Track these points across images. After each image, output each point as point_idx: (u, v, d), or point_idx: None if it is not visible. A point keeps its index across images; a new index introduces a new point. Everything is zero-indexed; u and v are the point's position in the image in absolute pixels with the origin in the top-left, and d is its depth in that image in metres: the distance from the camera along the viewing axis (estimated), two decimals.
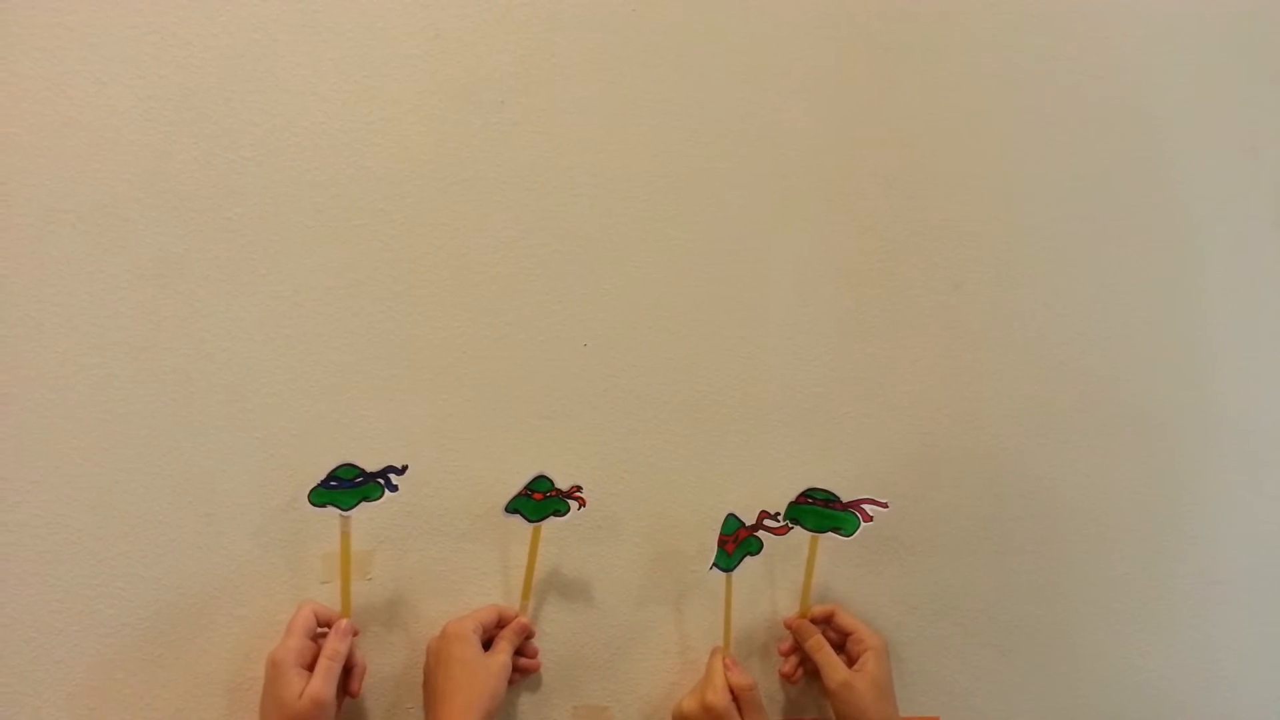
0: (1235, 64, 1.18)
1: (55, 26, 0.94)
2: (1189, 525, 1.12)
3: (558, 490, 0.95)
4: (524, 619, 0.95)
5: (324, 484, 0.90)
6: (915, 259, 1.10)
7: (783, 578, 1.02)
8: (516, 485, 0.94)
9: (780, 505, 0.96)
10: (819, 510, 0.96)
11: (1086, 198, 1.14)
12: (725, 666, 0.94)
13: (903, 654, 1.03)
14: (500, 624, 0.94)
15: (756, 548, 0.95)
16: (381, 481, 0.92)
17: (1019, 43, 1.14)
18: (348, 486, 0.91)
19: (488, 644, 0.92)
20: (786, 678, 0.99)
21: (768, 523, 0.95)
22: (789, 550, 0.99)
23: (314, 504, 0.90)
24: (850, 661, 0.95)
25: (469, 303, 1.00)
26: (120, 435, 0.92)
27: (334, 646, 0.88)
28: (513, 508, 0.94)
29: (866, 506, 0.95)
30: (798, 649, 0.98)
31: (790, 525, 0.96)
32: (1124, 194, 1.15)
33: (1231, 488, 1.13)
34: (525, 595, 0.96)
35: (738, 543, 0.95)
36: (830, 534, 0.96)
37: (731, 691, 0.92)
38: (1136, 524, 1.10)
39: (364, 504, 0.91)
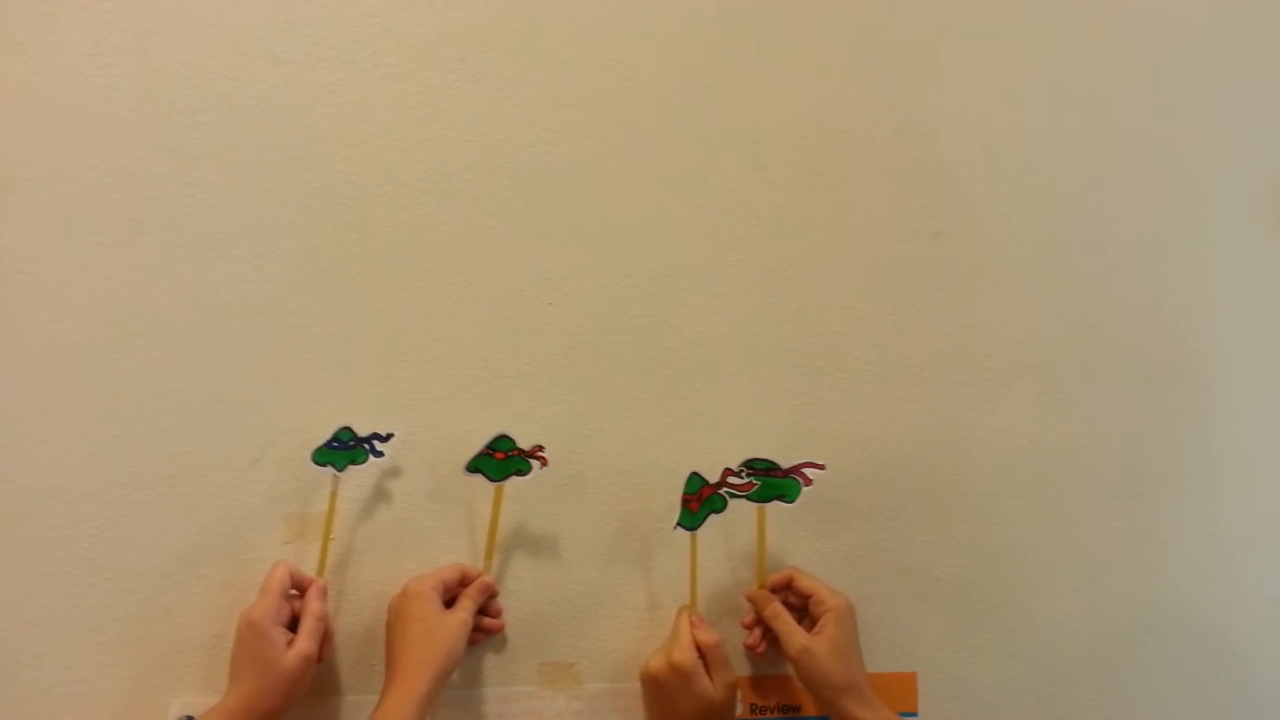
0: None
1: None
2: (1184, 478, 1.08)
3: (519, 450, 0.94)
4: (488, 578, 0.95)
5: (327, 444, 0.93)
6: (892, 207, 1.07)
7: (749, 542, 1.00)
8: (481, 445, 0.94)
9: None
10: (760, 480, 0.94)
11: (1073, 141, 1.10)
12: (691, 625, 0.93)
13: (871, 614, 1.01)
14: (463, 583, 0.94)
15: (721, 505, 0.94)
16: (367, 447, 0.94)
17: None
18: (344, 449, 0.93)
19: (452, 603, 0.92)
20: (751, 649, 0.97)
21: (732, 479, 0.94)
22: (747, 519, 0.97)
23: (316, 463, 0.92)
24: (814, 625, 0.94)
25: (431, 263, 1.00)
26: (82, 399, 0.93)
27: (319, 606, 0.89)
28: (474, 467, 0.94)
29: (806, 470, 0.94)
30: (760, 620, 0.97)
31: (755, 482, 0.94)
32: (1114, 137, 1.11)
33: (1227, 440, 1.10)
34: (489, 555, 0.96)
35: (701, 501, 0.94)
36: (775, 502, 0.94)
37: (698, 649, 0.91)
38: (1125, 477, 1.07)
39: (351, 468, 0.93)
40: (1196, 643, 1.07)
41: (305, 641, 0.86)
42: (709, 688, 0.90)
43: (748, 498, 0.94)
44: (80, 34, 0.96)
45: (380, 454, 0.94)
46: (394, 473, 0.97)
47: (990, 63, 1.10)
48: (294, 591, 0.91)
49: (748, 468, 0.94)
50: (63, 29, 0.95)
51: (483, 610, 0.95)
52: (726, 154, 1.05)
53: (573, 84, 1.03)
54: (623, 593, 0.99)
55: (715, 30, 1.06)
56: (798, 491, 0.94)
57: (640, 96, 1.05)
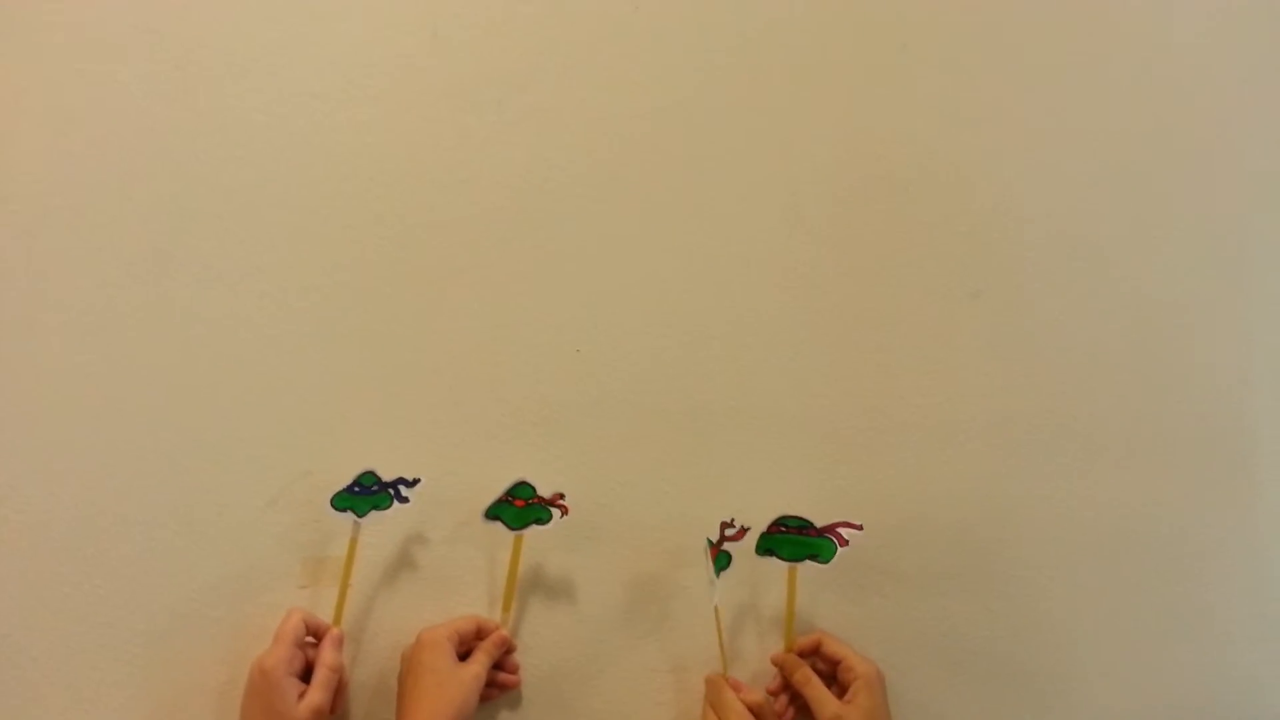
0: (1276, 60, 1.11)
1: (54, 26, 0.96)
2: (1234, 553, 1.03)
3: (540, 497, 0.92)
4: (504, 632, 0.92)
5: (348, 489, 0.90)
6: (931, 265, 1.04)
7: (775, 604, 0.96)
8: (501, 491, 0.91)
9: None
10: (793, 538, 0.91)
11: (1112, 204, 1.07)
12: (734, 688, 0.90)
13: (901, 685, 0.97)
14: (480, 635, 0.91)
15: (726, 562, 0.91)
16: (392, 492, 0.92)
17: (1040, 43, 1.09)
18: (366, 494, 0.91)
19: (467, 656, 0.89)
20: (777, 718, 0.93)
21: (728, 532, 0.91)
22: (776, 579, 0.94)
23: (336, 508, 0.90)
24: (842, 692, 0.90)
25: (459, 306, 0.99)
26: (104, 434, 0.92)
27: (334, 657, 0.87)
28: (493, 514, 0.91)
29: (841, 530, 0.90)
30: (787, 686, 0.93)
31: (746, 529, 0.91)
32: (1153, 200, 1.07)
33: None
34: (506, 607, 0.93)
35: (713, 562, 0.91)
36: (808, 562, 0.91)
37: (751, 711, 0.88)
38: (1172, 550, 1.02)
39: (374, 513, 0.91)
40: None
41: (317, 693, 0.84)
42: None
43: (780, 556, 0.91)
44: (119, 66, 0.97)
45: (406, 499, 0.92)
46: (415, 518, 0.95)
47: (1031, 118, 1.08)
48: (309, 639, 0.89)
49: (782, 525, 0.91)
50: (102, 62, 0.97)
51: (499, 665, 0.92)
52: (762, 205, 1.04)
53: (608, 130, 1.03)
54: (643, 653, 0.96)
55: (752, 81, 1.05)
56: (832, 552, 0.90)
57: (676, 145, 1.03)
